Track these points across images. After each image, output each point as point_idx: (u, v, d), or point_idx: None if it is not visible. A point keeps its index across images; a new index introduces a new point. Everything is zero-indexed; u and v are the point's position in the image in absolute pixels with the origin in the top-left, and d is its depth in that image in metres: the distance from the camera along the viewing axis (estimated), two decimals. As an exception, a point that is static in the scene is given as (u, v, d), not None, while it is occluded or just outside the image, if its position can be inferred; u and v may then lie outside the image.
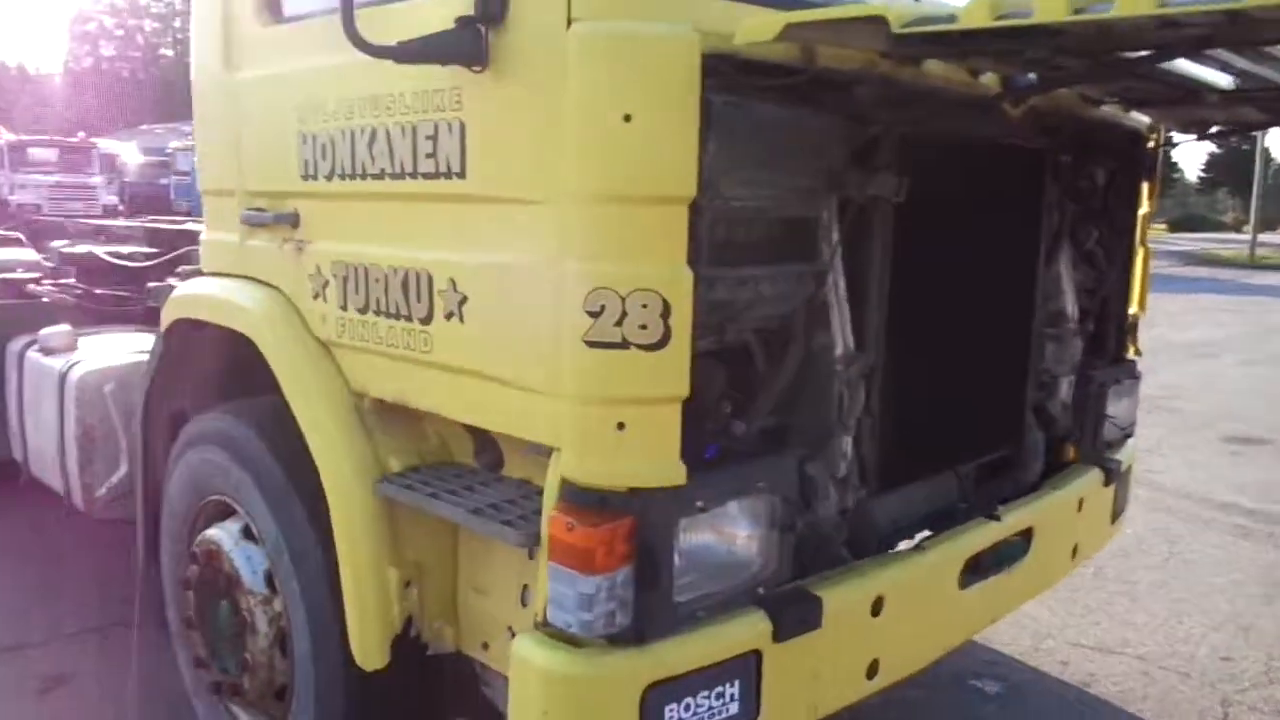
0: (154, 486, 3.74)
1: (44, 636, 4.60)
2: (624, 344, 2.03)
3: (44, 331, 4.79)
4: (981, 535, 3.02)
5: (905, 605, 2.70)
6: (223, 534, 3.23)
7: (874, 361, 2.67)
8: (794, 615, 2.38)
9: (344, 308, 2.71)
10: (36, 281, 5.66)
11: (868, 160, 2.52)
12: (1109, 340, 3.93)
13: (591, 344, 2.04)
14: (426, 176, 2.38)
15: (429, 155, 2.36)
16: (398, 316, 2.53)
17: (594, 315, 2.03)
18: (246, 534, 3.17)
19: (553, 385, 2.15)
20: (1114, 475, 3.73)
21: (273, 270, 2.99)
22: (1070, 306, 3.58)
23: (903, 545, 3.07)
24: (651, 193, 2.02)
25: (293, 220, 2.88)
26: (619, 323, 2.02)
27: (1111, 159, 3.69)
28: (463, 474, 2.68)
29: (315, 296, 2.81)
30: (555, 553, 2.11)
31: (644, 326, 2.02)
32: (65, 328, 4.82)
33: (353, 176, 2.61)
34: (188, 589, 3.38)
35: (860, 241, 2.62)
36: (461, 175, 2.29)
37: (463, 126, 2.28)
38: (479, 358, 2.33)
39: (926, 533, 3.25)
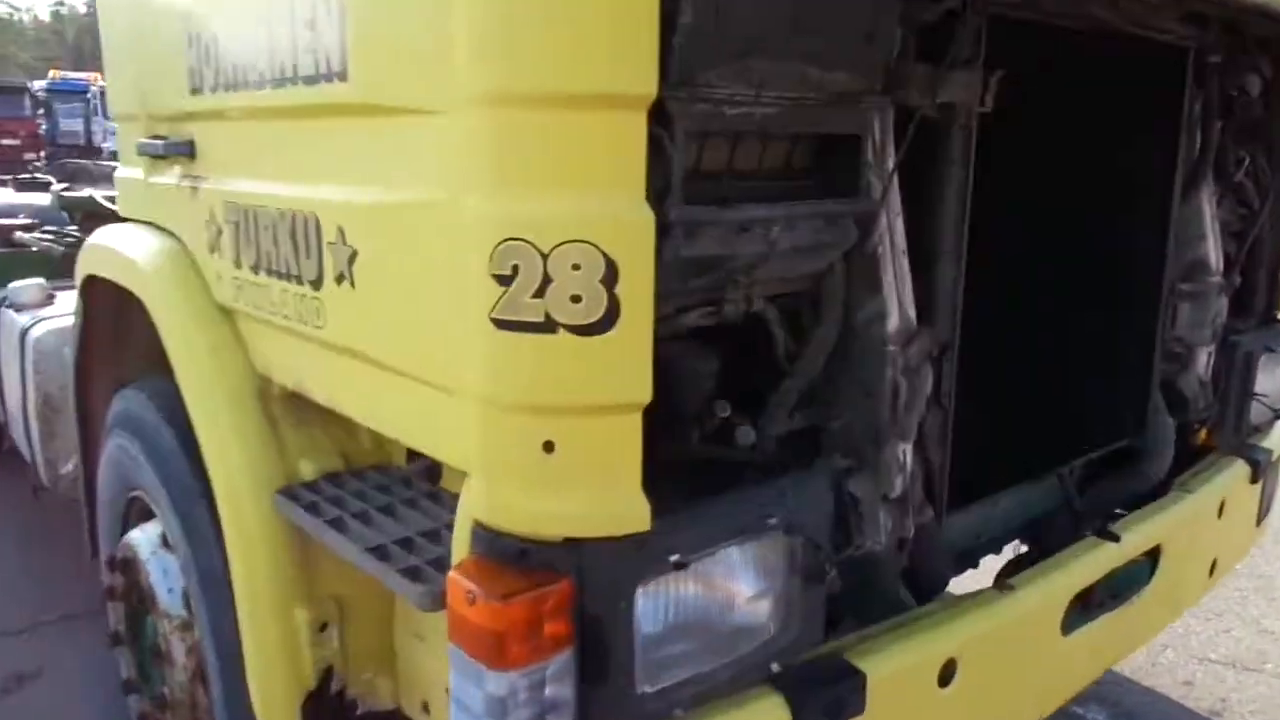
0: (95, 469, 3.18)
1: (25, 623, 4.18)
2: (548, 324, 1.33)
3: (13, 285, 4.28)
4: (1093, 562, 2.27)
5: (987, 667, 1.99)
6: (142, 539, 2.65)
7: (945, 338, 1.92)
8: (824, 699, 1.69)
9: (238, 264, 2.06)
10: (26, 229, 5.17)
11: (940, 51, 1.75)
12: (1258, 296, 3.09)
13: (501, 324, 1.35)
14: (307, 81, 1.70)
15: (308, 50, 1.68)
16: (289, 277, 1.87)
17: (503, 281, 1.33)
18: (166, 542, 2.58)
19: (456, 382, 1.47)
20: (1262, 469, 2.93)
21: (173, 214, 2.35)
22: (1213, 255, 2.75)
23: (987, 565, 2.36)
24: (586, 89, 1.30)
25: (189, 150, 2.23)
26: (539, 293, 1.32)
27: (1271, 62, 2.82)
28: (392, 486, 2.02)
29: (212, 249, 2.17)
30: (455, 632, 1.44)
31: (577, 299, 1.32)
32: (38, 281, 4.30)
33: (235, 87, 1.94)
34: (112, 599, 2.82)
35: (928, 169, 1.87)
36: (343, 77, 1.60)
37: (342, 6, 1.58)
38: (373, 337, 1.67)
39: (1020, 548, 2.54)
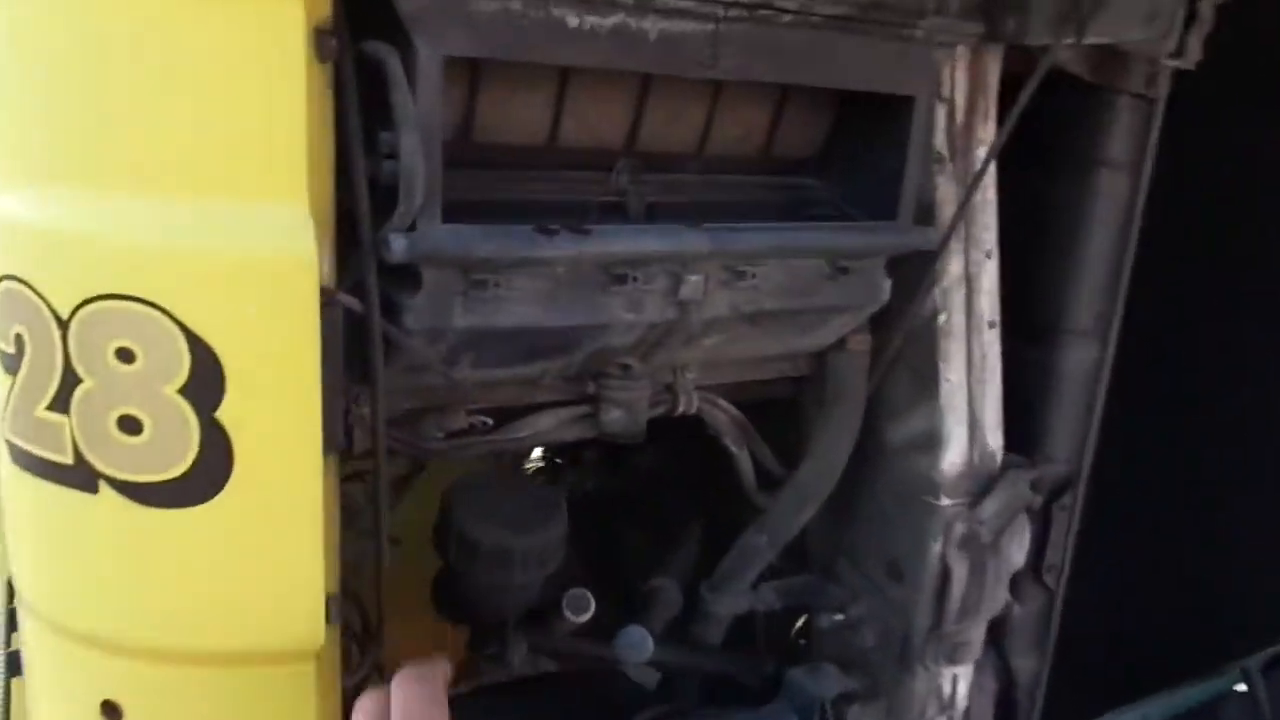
0: None
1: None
2: (81, 472, 0.59)
3: None
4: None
5: None
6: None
7: (1062, 471, 1.08)
8: None
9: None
10: None
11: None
12: None
13: (15, 454, 0.62)
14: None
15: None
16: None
17: (9, 366, 0.60)
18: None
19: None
20: None
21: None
22: None
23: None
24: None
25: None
26: (59, 402, 0.58)
27: None
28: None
29: None
30: None
31: (132, 425, 0.58)
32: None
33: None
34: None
35: (1061, 173, 1.03)
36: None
37: None
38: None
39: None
